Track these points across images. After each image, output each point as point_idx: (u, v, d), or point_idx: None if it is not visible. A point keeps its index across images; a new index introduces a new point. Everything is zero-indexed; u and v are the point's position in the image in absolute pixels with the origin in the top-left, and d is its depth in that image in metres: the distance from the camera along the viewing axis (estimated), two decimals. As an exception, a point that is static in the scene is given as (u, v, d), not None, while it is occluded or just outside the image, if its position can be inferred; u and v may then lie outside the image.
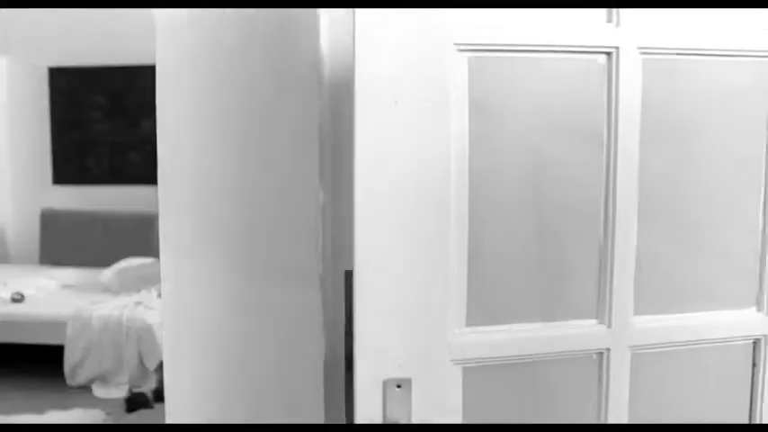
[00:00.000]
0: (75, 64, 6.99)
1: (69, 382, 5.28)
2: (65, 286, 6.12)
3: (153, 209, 6.64)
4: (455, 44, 1.62)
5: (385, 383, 1.60)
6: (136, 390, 5.14)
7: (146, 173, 6.96)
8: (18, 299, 5.62)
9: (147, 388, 5.16)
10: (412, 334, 1.63)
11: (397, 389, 1.60)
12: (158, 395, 5.06)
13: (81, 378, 5.27)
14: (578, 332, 1.72)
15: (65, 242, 6.80)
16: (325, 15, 2.03)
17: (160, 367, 5.25)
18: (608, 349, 1.72)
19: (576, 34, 1.65)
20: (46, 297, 5.79)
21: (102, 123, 7.00)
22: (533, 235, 1.70)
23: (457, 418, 1.69)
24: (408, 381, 1.63)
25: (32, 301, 5.65)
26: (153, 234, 6.63)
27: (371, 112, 1.65)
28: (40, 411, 4.76)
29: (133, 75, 6.90)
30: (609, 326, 1.72)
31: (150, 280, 5.82)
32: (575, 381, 1.73)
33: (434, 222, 1.64)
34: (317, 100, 2.00)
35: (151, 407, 4.96)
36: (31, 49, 7.05)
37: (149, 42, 6.82)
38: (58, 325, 5.33)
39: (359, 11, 1.64)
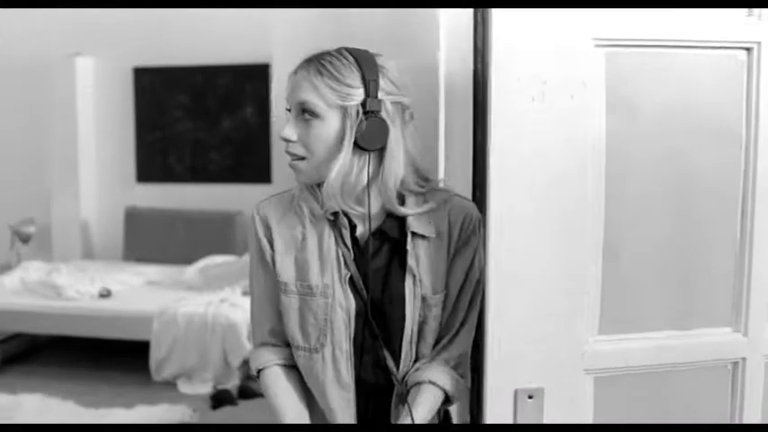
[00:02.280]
0: (158, 64, 7.09)
1: (155, 377, 5.35)
2: (149, 283, 6.21)
3: (233, 207, 6.74)
4: (593, 38, 1.59)
5: (516, 393, 1.58)
6: (220, 387, 5.19)
7: (227, 171, 7.03)
8: (105, 294, 5.72)
9: (231, 385, 5.20)
10: (546, 343, 1.60)
11: (529, 399, 1.57)
12: (242, 392, 5.11)
13: (166, 373, 5.34)
14: (713, 341, 1.67)
15: (148, 239, 6.91)
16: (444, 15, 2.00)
17: (244, 364, 5.29)
18: (743, 359, 1.66)
19: (713, 29, 1.59)
20: (131, 293, 5.88)
21: (185, 122, 7.09)
22: (667, 239, 1.65)
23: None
24: (541, 390, 1.60)
25: (119, 297, 5.75)
26: (234, 232, 6.70)
27: (508, 110, 1.62)
28: (129, 406, 4.84)
29: (214, 74, 6.97)
30: (745, 334, 1.66)
31: (232, 278, 5.87)
32: (708, 390, 1.68)
33: (571, 225, 1.61)
34: (440, 97, 1.97)
35: (236, 404, 5.00)
36: (116, 49, 7.17)
37: (231, 42, 6.88)
38: (144, 321, 5.41)
39: (495, 11, 1.64)
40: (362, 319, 1.62)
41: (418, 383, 1.64)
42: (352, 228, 1.64)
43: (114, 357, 5.82)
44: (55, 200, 7.21)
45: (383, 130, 1.54)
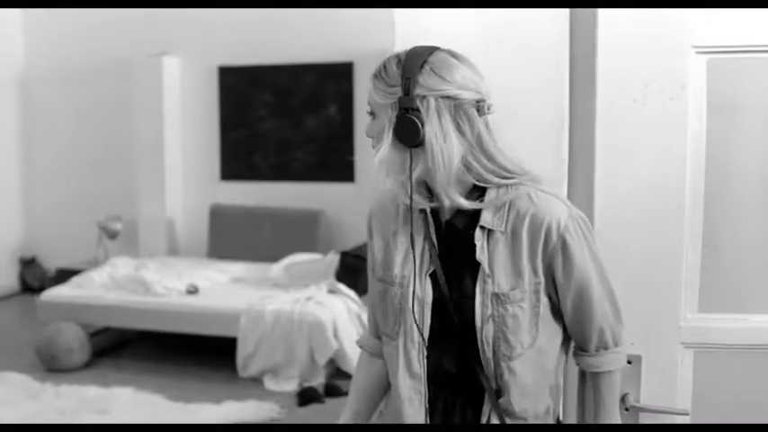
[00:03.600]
0: (243, 63, 7.15)
1: (241, 373, 5.39)
2: (234, 280, 6.26)
3: (317, 205, 6.76)
4: (693, 46, 1.77)
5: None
6: (306, 384, 5.19)
7: (310, 170, 7.05)
8: (193, 291, 5.78)
9: (317, 382, 5.21)
10: (645, 315, 1.83)
11: (628, 364, 1.73)
12: (328, 390, 5.10)
13: (252, 370, 5.37)
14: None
15: (232, 237, 6.97)
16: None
17: (330, 362, 5.29)
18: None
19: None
20: (218, 290, 5.94)
21: (269, 121, 7.13)
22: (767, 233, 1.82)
23: (686, 398, 1.87)
24: (639, 357, 1.82)
25: (205, 294, 5.81)
26: (317, 230, 6.72)
27: (613, 110, 1.81)
28: (218, 402, 4.87)
29: (299, 73, 7.00)
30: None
31: (317, 276, 5.88)
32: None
33: (671, 214, 1.82)
34: (564, 93, 1.95)
35: (322, 401, 4.99)
36: (201, 48, 7.26)
37: (315, 41, 6.90)
38: (231, 317, 5.45)
39: (601, 11, 1.82)
40: (441, 312, 1.64)
41: (594, 373, 1.71)
42: (438, 224, 1.66)
43: (200, 353, 5.88)
44: (141, 197, 7.33)
45: (413, 126, 1.55)
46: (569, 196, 1.94)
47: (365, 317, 5.54)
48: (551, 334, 1.66)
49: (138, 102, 7.30)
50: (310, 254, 6.39)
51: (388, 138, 1.58)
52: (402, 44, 1.85)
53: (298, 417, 4.78)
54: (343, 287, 5.62)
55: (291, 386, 5.21)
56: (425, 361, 1.66)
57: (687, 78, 1.79)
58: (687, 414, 1.86)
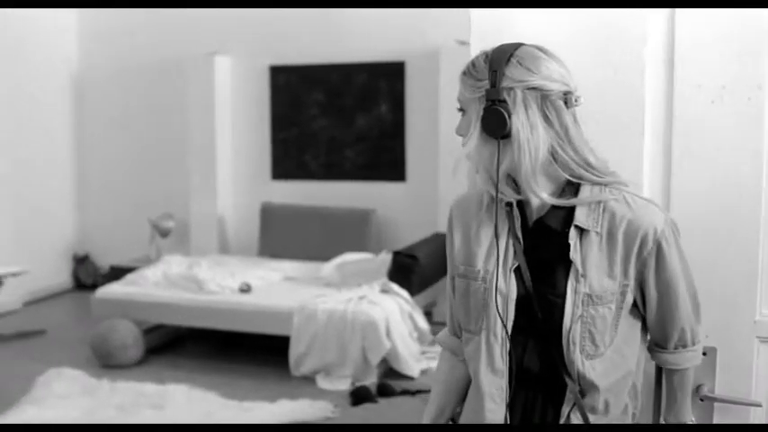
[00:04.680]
0: (294, 62, 7.17)
1: (293, 372, 5.39)
2: (286, 278, 6.28)
3: (368, 204, 6.76)
4: None
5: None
6: (358, 383, 5.18)
7: (361, 169, 7.05)
8: (245, 289, 5.81)
9: (370, 382, 5.19)
10: (721, 310, 1.87)
11: (703, 355, 1.77)
12: (381, 389, 5.09)
13: (305, 369, 5.37)
14: None
15: (282, 236, 6.99)
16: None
17: (382, 362, 5.28)
18: None
19: None
20: (270, 288, 5.96)
21: (320, 120, 7.15)
22: None
23: (761, 391, 1.90)
24: (714, 350, 1.87)
25: (258, 292, 5.83)
26: (368, 229, 6.71)
27: (690, 111, 1.87)
28: (272, 400, 4.88)
29: (350, 72, 7.00)
30: None
31: (369, 275, 5.87)
32: None
33: (747, 211, 1.86)
34: (642, 83, 1.93)
35: (375, 401, 4.98)
36: (253, 48, 7.30)
37: (366, 40, 6.92)
38: (284, 316, 5.46)
39: (679, 11, 1.87)
40: (527, 310, 1.64)
41: (669, 369, 1.73)
42: (526, 219, 1.66)
43: (251, 351, 5.91)
44: (193, 196, 7.39)
45: (500, 117, 1.56)
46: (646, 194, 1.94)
47: (417, 316, 5.56)
48: (630, 334, 1.66)
49: (191, 101, 7.36)
50: (362, 253, 6.39)
51: (475, 131, 1.60)
52: (478, 44, 1.88)
53: (352, 416, 4.77)
54: (395, 287, 5.60)
55: (344, 385, 5.20)
56: (508, 357, 1.65)
57: (764, 78, 1.82)
58: (760, 406, 1.89)
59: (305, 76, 7.15)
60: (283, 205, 7.11)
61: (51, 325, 6.69)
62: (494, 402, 1.66)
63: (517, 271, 1.64)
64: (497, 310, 1.64)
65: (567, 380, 1.62)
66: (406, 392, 5.06)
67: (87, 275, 8.01)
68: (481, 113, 1.58)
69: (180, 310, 5.74)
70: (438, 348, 5.58)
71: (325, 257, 6.45)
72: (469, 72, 1.62)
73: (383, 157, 6.96)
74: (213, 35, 7.37)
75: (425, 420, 1.87)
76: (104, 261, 7.95)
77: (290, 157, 7.27)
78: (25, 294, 7.34)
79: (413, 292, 5.69)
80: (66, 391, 5.03)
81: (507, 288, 1.64)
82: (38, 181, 7.65)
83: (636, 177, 1.92)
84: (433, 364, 5.44)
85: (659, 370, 1.84)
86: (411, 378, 5.29)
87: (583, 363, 1.60)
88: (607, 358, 1.62)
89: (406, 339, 5.40)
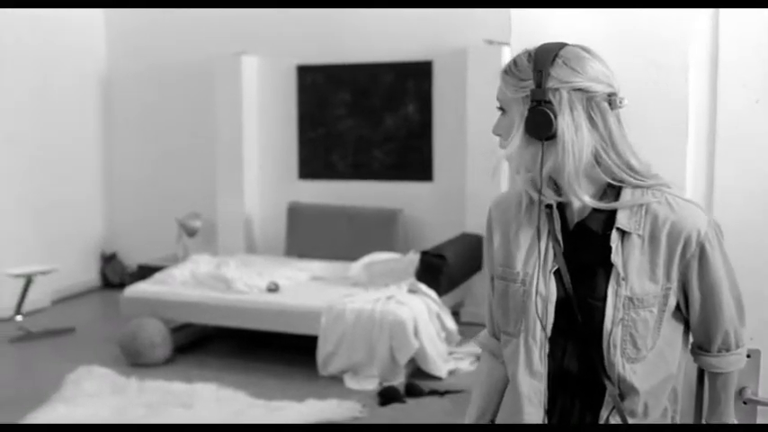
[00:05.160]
0: (321, 62, 7.17)
1: (321, 371, 5.39)
2: (314, 278, 6.28)
3: (395, 204, 6.75)
4: None
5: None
6: (386, 383, 5.17)
7: (389, 169, 7.04)
8: (273, 288, 5.81)
9: (398, 382, 5.18)
10: (764, 311, 1.85)
11: (747, 357, 1.73)
12: (409, 390, 5.07)
13: (332, 368, 5.37)
14: None
15: (310, 235, 7.00)
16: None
17: (410, 362, 5.26)
18: None
19: None
20: (298, 288, 5.96)
21: (347, 120, 7.14)
22: None
23: None
24: (758, 352, 1.84)
25: (286, 291, 5.83)
26: (396, 229, 6.70)
27: (734, 107, 1.85)
28: (300, 399, 4.88)
29: (377, 72, 6.99)
30: None
31: (396, 275, 5.86)
32: None
33: None
34: (685, 83, 1.91)
35: (403, 401, 4.97)
36: (280, 48, 7.30)
37: (394, 40, 6.92)
38: (312, 315, 5.46)
39: (723, 11, 1.86)
40: (566, 312, 1.62)
41: (712, 372, 1.71)
42: (566, 221, 1.65)
43: (278, 350, 5.91)
44: (220, 195, 7.41)
45: (546, 118, 1.54)
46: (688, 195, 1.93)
47: (445, 317, 5.55)
48: (672, 337, 1.64)
49: (218, 101, 7.38)
50: (389, 253, 6.37)
51: (518, 131, 1.58)
52: (518, 44, 1.86)
53: (380, 416, 4.76)
54: (423, 287, 5.59)
55: (372, 385, 5.19)
56: (547, 359, 1.64)
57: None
58: (805, 409, 1.87)
59: (332, 76, 7.15)
60: (310, 205, 7.11)
61: (80, 323, 6.73)
62: (532, 405, 1.65)
63: (557, 273, 1.63)
64: (537, 313, 1.63)
65: (607, 383, 1.61)
66: (433, 393, 5.04)
67: (114, 274, 8.05)
68: (526, 114, 1.56)
69: (208, 310, 5.76)
70: (465, 349, 5.60)
71: (353, 257, 6.44)
72: (512, 71, 1.61)
73: (410, 156, 6.94)
74: (241, 35, 7.39)
75: (467, 422, 1.87)
76: (131, 260, 7.99)
77: (318, 156, 7.27)
78: (54, 292, 7.39)
79: (440, 293, 5.68)
80: (95, 389, 5.06)
81: (547, 291, 1.63)
82: (66, 180, 7.70)
83: (678, 178, 1.90)
84: (461, 365, 5.43)
85: (701, 372, 1.81)
86: (439, 378, 5.27)
87: (623, 366, 1.59)
88: (648, 362, 1.60)
89: (433, 339, 5.38)
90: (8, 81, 6.90)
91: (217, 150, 7.44)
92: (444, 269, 5.76)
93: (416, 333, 5.24)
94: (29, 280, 6.50)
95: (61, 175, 7.62)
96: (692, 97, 1.92)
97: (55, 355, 5.90)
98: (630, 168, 1.58)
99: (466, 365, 5.45)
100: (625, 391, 1.60)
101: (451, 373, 5.37)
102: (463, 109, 6.53)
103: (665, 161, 1.88)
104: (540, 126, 1.55)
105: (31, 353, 6.05)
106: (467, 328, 6.10)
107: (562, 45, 1.59)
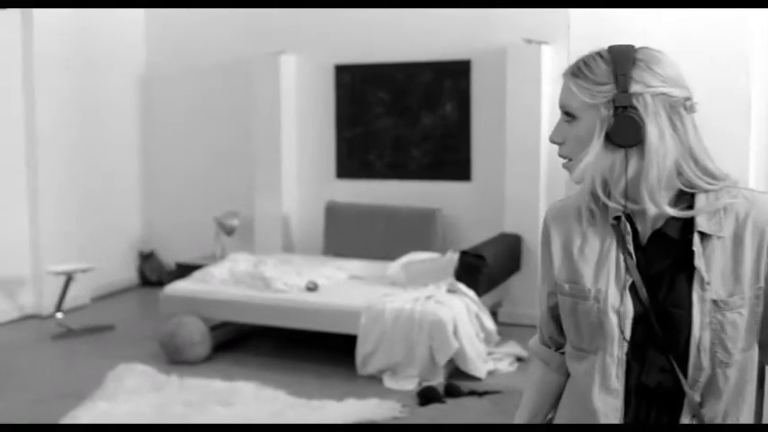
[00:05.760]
0: (359, 61, 7.17)
1: (360, 371, 5.38)
2: (352, 277, 6.28)
3: (433, 204, 6.73)
4: None
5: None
6: (425, 383, 5.15)
7: (426, 168, 7.02)
8: (312, 288, 5.81)
9: (437, 382, 5.16)
10: None
11: None
12: (448, 390, 5.05)
13: (371, 368, 5.36)
14: None
15: (347, 234, 6.99)
16: None
17: (449, 362, 5.24)
18: None
19: None
20: (336, 287, 5.96)
21: (385, 119, 7.13)
22: None
23: None
24: None
25: (325, 291, 5.83)
26: (434, 229, 6.68)
27: None
28: (339, 399, 4.87)
29: (415, 71, 6.97)
30: None
31: (435, 274, 5.84)
32: None
33: None
34: (747, 81, 1.87)
35: (443, 401, 4.94)
36: (318, 47, 7.31)
37: (431, 39, 6.94)
38: (351, 315, 5.46)
39: None
40: (643, 325, 1.57)
41: None
42: (635, 232, 1.60)
43: (315, 349, 5.91)
44: (258, 194, 7.43)
45: (634, 124, 1.49)
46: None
47: (484, 317, 5.52)
48: (754, 338, 1.60)
49: (256, 100, 7.40)
50: (427, 253, 6.35)
51: (598, 139, 1.52)
52: (577, 45, 1.83)
53: (420, 416, 4.74)
54: (462, 286, 5.56)
55: (411, 385, 5.18)
56: (624, 376, 1.59)
57: None
58: None
59: (370, 75, 7.14)
60: (348, 204, 7.11)
61: (119, 320, 6.79)
62: (608, 421, 1.61)
63: (632, 287, 1.57)
64: (620, 331, 1.57)
65: (688, 391, 1.56)
66: (473, 393, 5.01)
67: (152, 272, 8.11)
68: (610, 121, 1.51)
69: (248, 308, 5.77)
70: (504, 349, 5.58)
71: (390, 257, 6.43)
72: (584, 75, 1.55)
73: (448, 156, 6.92)
74: (279, 34, 7.41)
75: (517, 422, 1.84)
76: (169, 258, 8.05)
77: (355, 156, 7.27)
78: (93, 290, 7.46)
79: (479, 293, 5.65)
80: (136, 386, 5.09)
81: (624, 307, 1.57)
82: (106, 179, 7.77)
83: (742, 173, 1.87)
84: (500, 366, 5.40)
85: (763, 372, 1.74)
86: (478, 379, 5.24)
87: (713, 371, 1.55)
88: (738, 364, 1.56)
89: (473, 340, 5.35)
90: (51, 81, 6.97)
91: (255, 149, 7.47)
92: (483, 269, 5.73)
93: (456, 333, 5.22)
94: (69, 277, 6.57)
95: (101, 173, 7.69)
96: (755, 95, 1.89)
97: (95, 352, 5.95)
98: (706, 174, 1.54)
99: (505, 366, 5.42)
100: (706, 397, 1.56)
101: (490, 373, 5.34)
102: (502, 108, 6.49)
103: (730, 162, 1.85)
104: (627, 133, 1.50)
105: (72, 350, 6.10)
106: (505, 328, 6.08)
107: (634, 47, 1.54)
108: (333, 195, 7.31)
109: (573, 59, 1.64)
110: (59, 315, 6.53)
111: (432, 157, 7.00)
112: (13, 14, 6.76)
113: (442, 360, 5.18)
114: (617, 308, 1.57)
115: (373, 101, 7.14)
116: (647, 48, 1.55)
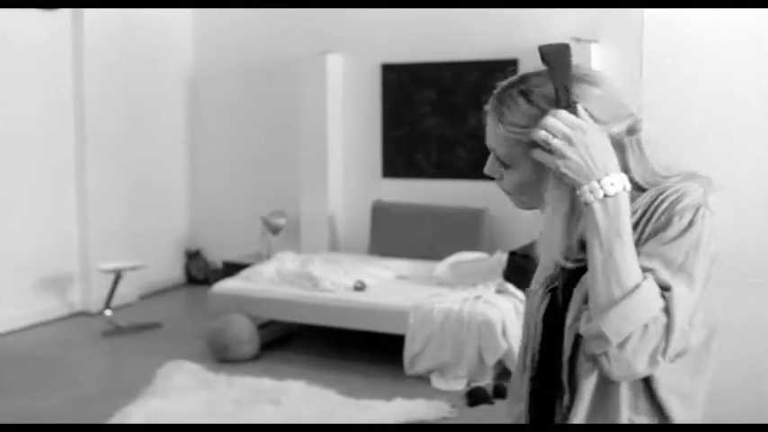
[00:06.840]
0: (405, 60, 7.15)
1: (407, 371, 5.36)
2: (399, 277, 6.26)
3: (479, 203, 6.67)
4: None
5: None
6: (473, 384, 5.12)
7: (473, 168, 6.97)
8: (360, 287, 5.81)
9: (485, 383, 5.12)
10: None
11: None
12: (497, 391, 5.01)
13: (419, 368, 5.34)
14: None
15: (393, 234, 6.98)
16: None
17: (497, 363, 5.20)
18: None
19: None
20: (384, 287, 5.95)
21: (431, 118, 7.10)
22: None
23: None
24: None
25: (372, 290, 5.82)
26: (480, 229, 6.63)
27: None
28: (388, 398, 4.86)
29: (462, 70, 6.94)
30: None
31: (483, 275, 5.80)
32: None
33: None
34: None
35: (491, 402, 4.91)
36: (364, 46, 7.30)
37: (478, 38, 6.87)
38: (399, 314, 5.44)
39: None
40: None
41: None
42: None
43: (363, 349, 5.90)
44: (304, 193, 7.43)
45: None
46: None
47: (533, 318, 5.45)
48: None
49: (303, 99, 7.41)
50: (475, 252, 6.32)
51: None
52: (652, 46, 1.79)
53: (469, 417, 4.71)
54: (511, 287, 5.52)
55: (459, 386, 5.15)
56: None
57: None
58: None
59: (416, 75, 7.12)
60: (394, 203, 7.10)
61: (166, 318, 6.84)
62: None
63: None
64: None
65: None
66: (522, 395, 4.96)
67: (198, 270, 8.17)
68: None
69: (295, 307, 5.78)
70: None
71: (437, 256, 6.41)
72: (512, 122, 1.43)
73: (495, 156, 6.85)
74: (325, 34, 7.41)
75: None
76: (215, 257, 8.09)
77: (401, 155, 7.25)
78: (141, 288, 7.53)
79: (528, 293, 5.59)
80: (185, 383, 5.11)
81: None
82: (153, 178, 7.84)
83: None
84: (549, 367, 5.33)
85: None
86: (526, 380, 5.19)
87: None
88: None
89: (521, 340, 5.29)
90: (100, 81, 7.04)
91: (301, 149, 7.47)
92: (532, 269, 5.66)
93: (505, 334, 5.18)
94: (118, 275, 6.63)
95: (149, 172, 7.75)
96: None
97: (143, 350, 5.99)
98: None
99: (553, 367, 5.36)
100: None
101: (539, 375, 5.28)
102: (550, 107, 6.42)
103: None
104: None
105: (120, 347, 6.16)
106: (553, 329, 6.00)
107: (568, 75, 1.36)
108: (379, 195, 7.30)
109: (648, 60, 1.58)
110: (108, 312, 6.60)
111: (478, 157, 6.93)
112: (64, 15, 6.83)
113: (491, 361, 5.14)
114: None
115: (420, 100, 7.11)
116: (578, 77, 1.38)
